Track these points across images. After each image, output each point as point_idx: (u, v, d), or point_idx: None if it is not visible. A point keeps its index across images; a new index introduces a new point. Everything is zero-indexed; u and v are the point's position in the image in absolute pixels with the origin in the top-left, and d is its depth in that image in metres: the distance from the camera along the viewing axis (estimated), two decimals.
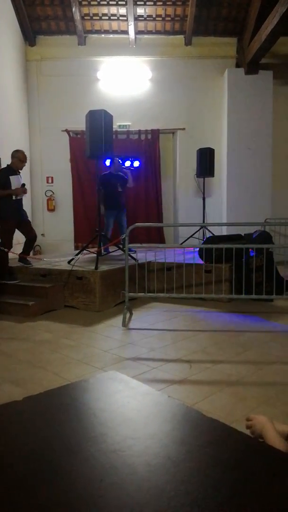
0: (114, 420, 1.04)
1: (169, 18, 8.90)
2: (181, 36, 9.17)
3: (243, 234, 6.07)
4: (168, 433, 0.99)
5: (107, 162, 7.30)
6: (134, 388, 1.24)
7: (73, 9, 8.50)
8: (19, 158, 5.67)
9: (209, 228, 7.86)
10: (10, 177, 5.58)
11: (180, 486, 0.80)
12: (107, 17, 8.89)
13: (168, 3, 8.59)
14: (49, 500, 0.77)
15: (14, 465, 0.89)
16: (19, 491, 0.79)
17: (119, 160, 7.20)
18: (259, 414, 1.23)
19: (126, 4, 8.51)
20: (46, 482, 0.82)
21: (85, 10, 8.75)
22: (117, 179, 7.06)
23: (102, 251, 6.63)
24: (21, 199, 5.74)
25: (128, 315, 4.81)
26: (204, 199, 8.27)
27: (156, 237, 9.27)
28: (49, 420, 1.06)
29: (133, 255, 6.15)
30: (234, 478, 0.85)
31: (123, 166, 7.28)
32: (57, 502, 0.77)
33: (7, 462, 0.91)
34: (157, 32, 9.15)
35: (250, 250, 5.35)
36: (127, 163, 7.40)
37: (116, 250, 6.78)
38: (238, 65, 9.14)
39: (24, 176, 8.28)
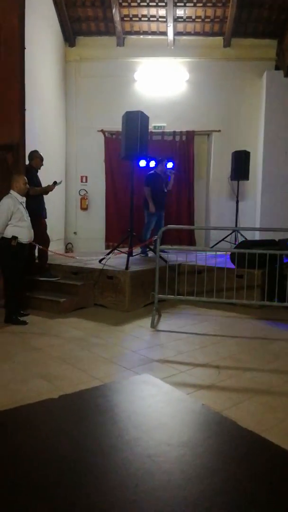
0: (148, 424, 1.04)
1: (208, 20, 8.84)
2: (220, 38, 9.08)
3: (277, 240, 5.95)
4: (203, 442, 0.98)
5: (152, 163, 7.38)
6: (167, 393, 1.23)
7: (113, 10, 8.58)
8: (40, 158, 5.77)
9: (241, 232, 7.75)
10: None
11: (216, 497, 0.79)
12: (146, 18, 8.92)
13: (208, 4, 8.53)
14: (84, 501, 0.78)
15: (49, 462, 0.90)
16: (54, 490, 0.80)
17: (165, 162, 7.34)
18: None
19: (166, 6, 8.52)
20: (81, 483, 0.83)
21: (125, 11, 8.81)
22: (163, 180, 7.20)
23: (140, 252, 6.68)
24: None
25: (157, 316, 4.81)
26: (237, 202, 8.17)
27: (187, 239, 9.22)
28: (84, 420, 1.07)
29: (164, 255, 6.16)
30: (270, 492, 0.83)
31: (167, 168, 7.37)
32: (92, 503, 0.77)
33: (42, 459, 0.92)
34: (196, 34, 9.10)
35: (284, 256, 5.24)
36: (169, 165, 7.45)
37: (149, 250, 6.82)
38: (277, 68, 8.97)
39: (60, 175, 8.45)
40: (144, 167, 7.19)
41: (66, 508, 0.80)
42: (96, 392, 1.24)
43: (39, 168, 5.80)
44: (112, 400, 1.24)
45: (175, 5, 8.52)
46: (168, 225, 6.46)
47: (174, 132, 9.21)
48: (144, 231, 7.12)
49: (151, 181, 7.04)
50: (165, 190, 7.27)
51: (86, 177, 9.49)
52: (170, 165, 7.50)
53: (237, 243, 7.42)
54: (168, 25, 8.81)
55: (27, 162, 5.60)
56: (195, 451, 1.00)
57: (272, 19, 8.71)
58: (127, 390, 1.29)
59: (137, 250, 6.34)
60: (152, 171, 7.19)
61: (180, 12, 8.71)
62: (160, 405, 1.19)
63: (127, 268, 5.38)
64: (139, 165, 7.20)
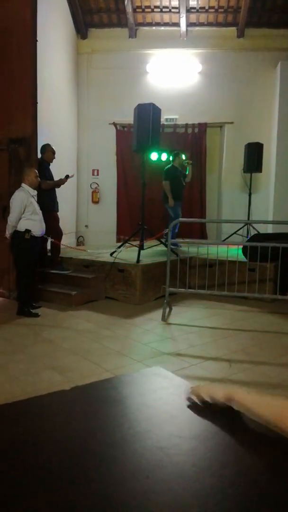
0: (159, 417, 1.04)
1: (222, 10, 8.72)
2: (234, 28, 8.96)
3: None
4: (214, 435, 0.97)
5: (164, 156, 7.41)
6: (179, 385, 1.23)
7: (126, 2, 8.51)
8: (52, 151, 5.77)
9: (254, 225, 7.69)
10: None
11: (227, 490, 0.79)
12: (159, 9, 8.83)
13: None
14: (94, 493, 0.78)
15: (60, 454, 0.91)
16: (63, 482, 0.81)
17: (183, 155, 7.38)
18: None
19: None
20: (92, 475, 0.83)
21: (137, 2, 8.74)
22: (181, 173, 7.24)
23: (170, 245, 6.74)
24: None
25: (168, 309, 4.80)
26: (250, 195, 8.09)
27: (198, 232, 9.18)
28: (95, 412, 1.08)
29: (178, 248, 6.22)
30: (283, 486, 0.82)
31: (185, 160, 7.40)
32: (101, 495, 0.78)
33: (52, 451, 0.93)
34: (209, 24, 8.99)
35: None
36: (183, 156, 7.47)
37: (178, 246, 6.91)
38: None
39: (71, 168, 8.46)
40: (158, 160, 7.21)
41: (75, 500, 0.80)
42: (107, 384, 1.24)
43: (51, 162, 5.81)
44: (123, 392, 1.24)
45: None
46: (180, 219, 6.43)
47: (187, 124, 9.14)
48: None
49: (170, 175, 7.03)
50: (184, 183, 7.30)
51: (98, 170, 9.49)
52: (183, 157, 7.47)
53: (249, 236, 7.36)
54: (181, 16, 8.71)
55: (39, 155, 5.62)
56: (206, 444, 0.99)
57: (287, 9, 8.54)
58: (138, 382, 1.29)
59: (149, 243, 6.32)
60: (170, 165, 7.18)
61: (193, 2, 8.60)
62: (171, 398, 1.19)
63: (138, 261, 5.38)
64: (151, 158, 7.19)
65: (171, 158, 7.38)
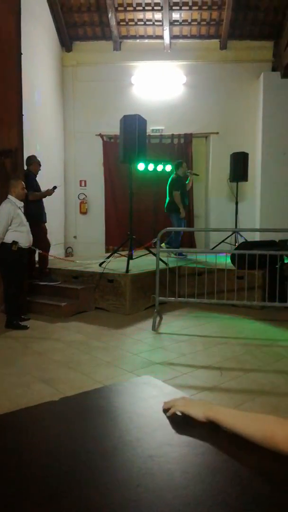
0: (150, 426, 1.04)
1: (204, 23, 8.88)
2: (217, 40, 9.12)
3: (277, 240, 5.95)
4: (204, 441, 0.97)
5: (168, 167, 7.56)
6: (168, 394, 1.23)
7: (109, 15, 8.62)
8: (38, 163, 5.80)
9: (241, 233, 7.75)
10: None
11: (218, 496, 0.79)
12: (142, 22, 8.96)
13: (203, 7, 8.58)
14: (85, 502, 0.77)
15: (50, 465, 0.90)
16: (54, 492, 0.80)
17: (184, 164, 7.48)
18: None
19: (161, 9, 8.56)
20: (82, 484, 0.82)
21: (121, 15, 8.86)
22: (184, 183, 7.32)
23: (177, 255, 6.78)
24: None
25: (158, 319, 4.80)
26: (237, 203, 8.17)
27: (187, 241, 9.22)
28: (85, 422, 1.07)
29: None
30: (274, 491, 0.82)
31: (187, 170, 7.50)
32: (92, 504, 0.77)
33: (43, 462, 0.92)
34: (192, 37, 9.14)
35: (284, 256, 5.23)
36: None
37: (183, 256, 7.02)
38: (274, 69, 9.01)
39: (58, 179, 8.47)
40: (145, 170, 7.26)
41: (66, 510, 0.80)
42: (97, 394, 1.24)
43: (37, 173, 5.82)
44: (113, 401, 1.23)
45: (170, 9, 8.57)
46: (167, 228, 6.45)
47: (172, 135, 9.24)
48: (175, 236, 7.17)
49: (179, 185, 7.04)
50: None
51: (85, 181, 9.51)
52: (168, 167, 7.55)
53: (237, 244, 7.41)
54: (164, 28, 8.85)
55: (25, 167, 5.62)
56: (196, 451, 0.99)
57: (268, 21, 8.74)
58: (128, 391, 1.28)
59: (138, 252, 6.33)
60: (174, 175, 7.18)
61: (176, 15, 8.76)
62: (161, 406, 1.19)
63: (127, 271, 5.38)
64: (137, 168, 7.23)
65: (173, 168, 7.44)
